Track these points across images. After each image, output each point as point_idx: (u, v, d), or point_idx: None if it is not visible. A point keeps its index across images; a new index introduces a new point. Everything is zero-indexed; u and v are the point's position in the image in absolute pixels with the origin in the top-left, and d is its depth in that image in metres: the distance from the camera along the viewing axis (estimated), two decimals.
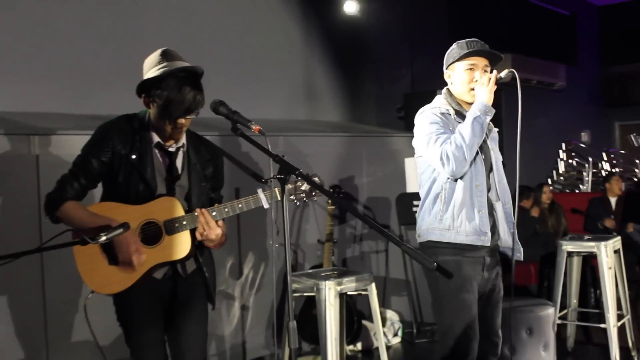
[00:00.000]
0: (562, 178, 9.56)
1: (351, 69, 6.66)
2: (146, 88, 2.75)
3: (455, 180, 3.12)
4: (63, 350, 3.98)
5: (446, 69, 3.28)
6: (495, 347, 3.29)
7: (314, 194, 2.86)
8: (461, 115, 3.17)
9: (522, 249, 3.29)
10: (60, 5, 4.41)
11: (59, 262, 3.86)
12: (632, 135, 4.90)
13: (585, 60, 10.61)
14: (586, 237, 5.05)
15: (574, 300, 5.22)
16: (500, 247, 3.29)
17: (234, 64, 5.50)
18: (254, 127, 2.53)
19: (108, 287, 2.78)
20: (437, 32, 7.41)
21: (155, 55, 2.80)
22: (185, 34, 5.08)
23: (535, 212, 7.11)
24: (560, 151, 9.79)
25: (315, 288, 3.75)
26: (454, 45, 3.26)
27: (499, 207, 3.24)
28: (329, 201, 5.08)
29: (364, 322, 5.40)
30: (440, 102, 3.25)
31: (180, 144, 2.89)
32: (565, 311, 5.19)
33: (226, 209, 2.82)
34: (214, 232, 2.79)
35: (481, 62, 3.19)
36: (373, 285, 3.94)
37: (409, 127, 4.83)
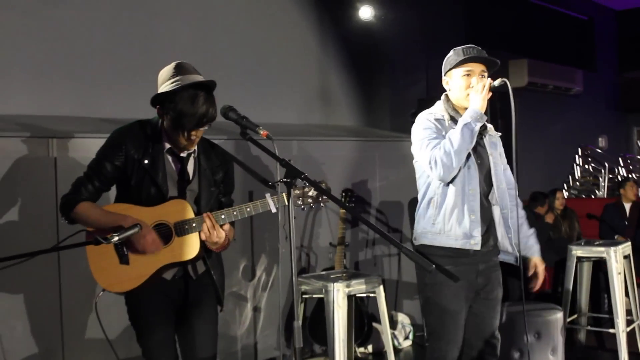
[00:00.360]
0: (578, 183, 9.54)
1: (366, 73, 6.72)
2: (160, 100, 2.84)
3: (448, 184, 3.18)
4: (78, 348, 4.08)
5: (444, 75, 3.33)
6: (494, 349, 3.34)
7: (320, 199, 2.93)
8: (455, 121, 3.22)
9: (517, 255, 3.33)
10: (79, 10, 4.51)
11: (75, 262, 3.96)
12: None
13: (603, 65, 10.58)
14: (596, 242, 5.07)
15: (584, 305, 5.24)
16: (500, 251, 3.33)
17: (250, 69, 5.58)
18: (261, 132, 2.60)
19: (118, 285, 2.87)
20: (453, 37, 7.43)
21: (169, 69, 2.88)
22: (202, 40, 5.17)
23: (549, 219, 7.11)
24: (577, 156, 9.77)
25: (324, 290, 3.82)
26: (451, 52, 3.31)
27: (496, 212, 3.27)
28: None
29: (375, 324, 5.46)
30: (436, 107, 3.32)
31: (191, 150, 2.97)
32: (575, 316, 5.21)
33: (235, 213, 2.90)
34: (217, 234, 2.86)
35: (478, 68, 3.23)
36: (381, 287, 3.99)
37: None
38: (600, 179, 9.55)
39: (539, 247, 3.49)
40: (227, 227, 2.91)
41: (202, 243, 2.89)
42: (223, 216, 2.89)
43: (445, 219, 3.19)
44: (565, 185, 9.49)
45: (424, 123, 3.24)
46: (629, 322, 4.84)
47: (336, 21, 6.43)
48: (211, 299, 3.08)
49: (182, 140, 2.85)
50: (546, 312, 4.33)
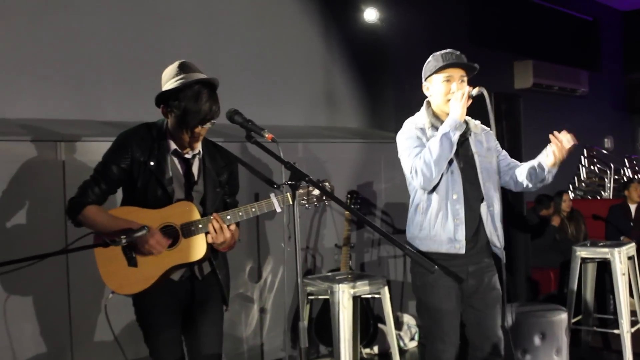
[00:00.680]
0: (583, 184, 9.55)
1: (371, 75, 6.75)
2: (164, 99, 2.87)
3: (432, 191, 3.24)
4: (87, 348, 4.12)
5: (424, 81, 3.39)
6: (497, 348, 3.37)
7: (324, 198, 2.96)
8: (436, 128, 3.27)
9: (502, 250, 3.38)
10: (84, 15, 4.55)
11: (83, 264, 4.00)
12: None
13: (608, 66, 10.57)
14: (601, 243, 5.09)
15: (589, 306, 5.25)
16: (492, 252, 3.38)
17: (255, 71, 5.61)
18: (267, 135, 2.64)
19: (127, 287, 2.91)
20: (458, 39, 7.46)
21: (173, 68, 2.92)
22: (207, 43, 5.21)
23: (555, 221, 7.12)
24: (582, 157, 9.77)
25: (329, 291, 3.85)
26: (430, 58, 3.36)
27: (483, 209, 3.31)
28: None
29: (380, 325, 5.48)
30: (418, 116, 3.39)
31: (196, 152, 3.01)
32: (580, 317, 5.22)
33: (240, 213, 2.93)
34: (224, 235, 2.90)
35: (457, 73, 3.28)
36: (386, 288, 4.02)
37: None
38: (606, 179, 9.56)
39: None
40: (233, 227, 2.94)
41: (209, 244, 2.92)
42: (229, 217, 2.92)
43: (430, 225, 3.26)
44: (570, 186, 9.49)
45: (406, 133, 3.33)
46: (633, 323, 4.85)
47: (341, 23, 6.46)
48: (217, 299, 3.11)
49: (186, 137, 2.89)
50: (551, 312, 4.35)
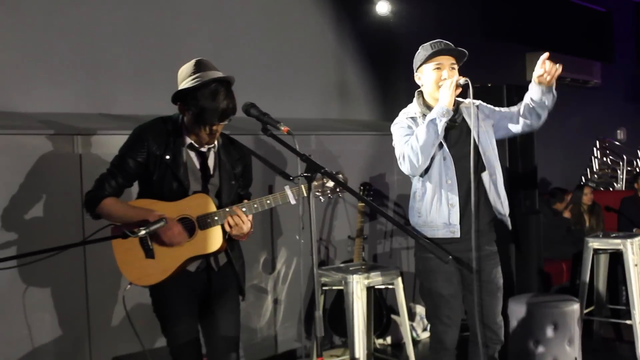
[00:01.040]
0: (596, 176, 9.53)
1: (383, 68, 6.77)
2: (182, 97, 2.92)
3: (427, 177, 3.33)
4: (104, 339, 4.19)
5: (416, 72, 3.45)
6: (497, 334, 3.46)
7: (338, 190, 3.00)
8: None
9: (509, 220, 3.46)
10: (100, 9, 4.59)
11: (100, 256, 4.06)
12: None
13: (621, 58, 10.52)
14: (612, 234, 5.10)
15: (601, 297, 5.27)
16: (494, 237, 3.46)
17: (268, 65, 5.64)
18: (282, 128, 2.68)
19: (145, 279, 2.97)
20: (471, 31, 7.47)
21: (189, 65, 2.96)
22: (220, 37, 5.23)
23: (567, 214, 7.12)
24: (595, 149, 9.75)
25: (343, 282, 3.90)
26: (419, 49, 3.43)
27: (486, 178, 3.37)
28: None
29: (393, 316, 5.52)
30: (410, 106, 3.46)
31: (212, 145, 3.05)
32: (592, 308, 5.24)
33: (255, 205, 2.98)
34: (246, 226, 2.96)
35: (447, 61, 3.34)
36: (399, 279, 4.07)
37: None
38: (619, 171, 9.53)
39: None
40: (250, 217, 2.99)
41: (225, 235, 2.97)
42: (244, 209, 2.97)
43: (427, 211, 3.34)
44: (583, 177, 9.47)
45: (398, 123, 3.41)
46: None
47: (353, 16, 6.48)
48: (233, 289, 3.17)
49: (204, 134, 2.93)
50: (563, 303, 4.37)
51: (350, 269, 4.12)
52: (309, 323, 5.36)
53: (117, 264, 2.99)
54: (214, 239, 2.95)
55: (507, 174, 5.63)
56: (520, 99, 5.95)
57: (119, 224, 2.95)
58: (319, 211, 5.44)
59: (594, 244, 4.96)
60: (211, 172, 3.07)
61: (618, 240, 4.81)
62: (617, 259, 5.57)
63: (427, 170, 3.34)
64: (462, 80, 3.26)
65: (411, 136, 3.29)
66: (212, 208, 2.96)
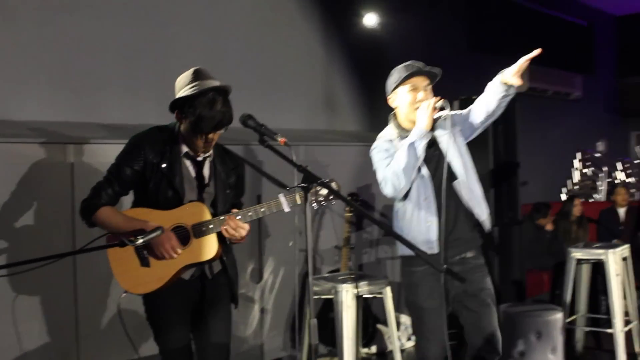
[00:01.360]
0: (576, 187, 9.67)
1: (370, 79, 6.83)
2: (179, 105, 2.96)
3: (406, 197, 3.37)
4: (93, 348, 4.20)
5: (389, 95, 3.49)
6: (494, 346, 3.44)
7: (331, 197, 3.05)
8: (404, 137, 3.38)
9: (489, 224, 3.47)
10: (91, 19, 4.61)
11: (90, 265, 4.09)
12: (637, 147, 5.06)
13: (602, 70, 10.70)
14: (595, 244, 5.20)
15: (583, 306, 5.37)
16: (478, 250, 3.49)
17: (257, 75, 5.69)
18: (280, 139, 2.73)
19: (140, 287, 3.00)
20: (456, 44, 7.59)
21: (187, 74, 3.01)
22: (209, 47, 5.27)
23: (549, 227, 7.23)
24: (575, 160, 9.90)
25: (333, 290, 3.95)
26: (393, 71, 3.46)
27: (458, 185, 3.38)
28: (347, 208, 5.27)
29: (379, 325, 5.59)
30: (386, 130, 3.52)
31: (207, 154, 3.10)
32: (574, 317, 5.34)
33: (250, 213, 3.03)
34: (244, 231, 3.02)
35: (422, 82, 3.38)
36: (388, 288, 4.13)
37: None
38: (599, 183, 9.68)
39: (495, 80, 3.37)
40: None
41: (220, 244, 3.01)
42: (239, 217, 3.01)
43: (408, 229, 3.38)
44: (564, 189, 9.61)
45: (376, 147, 3.47)
46: (626, 323, 4.97)
47: (341, 28, 6.55)
48: (226, 297, 3.21)
49: (200, 142, 2.98)
50: (546, 312, 4.45)
51: (340, 278, 4.18)
52: (295, 332, 5.40)
53: (113, 272, 3.02)
54: (209, 248, 2.99)
55: (492, 186, 5.75)
56: (505, 111, 6.06)
57: (114, 233, 2.98)
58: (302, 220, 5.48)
59: (577, 254, 5.06)
60: (206, 181, 3.11)
61: (601, 251, 4.92)
62: (596, 269, 5.68)
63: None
64: (439, 103, 3.30)
65: (391, 159, 3.35)
66: (207, 216, 3.00)
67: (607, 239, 7.22)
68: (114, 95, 4.76)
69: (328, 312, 5.05)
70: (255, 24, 5.80)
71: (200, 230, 2.98)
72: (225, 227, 2.98)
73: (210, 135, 2.95)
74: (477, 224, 3.46)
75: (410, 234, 3.36)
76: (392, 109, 3.58)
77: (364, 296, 4.18)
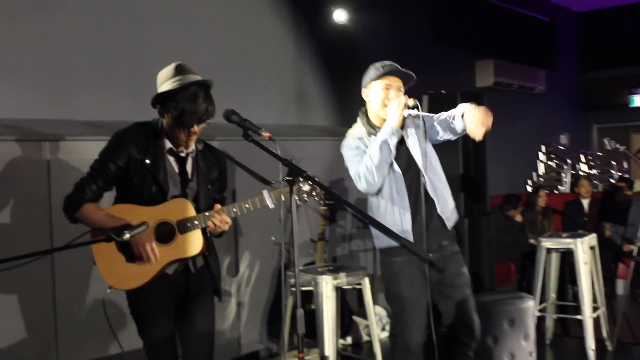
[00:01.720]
0: (541, 179, 9.88)
1: (340, 75, 6.91)
2: (161, 100, 2.99)
3: (379, 192, 3.46)
4: (72, 345, 4.20)
5: (364, 88, 3.61)
6: (471, 330, 3.58)
7: (314, 193, 3.11)
8: (373, 135, 3.50)
9: (454, 217, 3.61)
10: (63, 15, 4.59)
11: (68, 261, 4.09)
12: (605, 139, 5.20)
13: (564, 66, 10.92)
14: (564, 234, 5.35)
15: (552, 294, 5.52)
16: (452, 237, 3.60)
17: (228, 71, 5.69)
18: (264, 134, 2.78)
19: (125, 283, 3.02)
20: (423, 39, 7.69)
21: (169, 69, 3.04)
22: (180, 43, 5.27)
23: (518, 218, 7.39)
24: (540, 153, 10.10)
25: (312, 282, 4.01)
26: (370, 67, 3.58)
27: (429, 185, 3.49)
28: (321, 202, 5.33)
29: (355, 317, 5.67)
30: (356, 128, 3.62)
31: (190, 150, 3.14)
32: (544, 305, 5.48)
33: (234, 209, 3.07)
34: (228, 225, 3.08)
35: (395, 82, 3.51)
36: (367, 279, 4.20)
37: None
38: (563, 175, 9.90)
39: (460, 109, 3.44)
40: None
41: (205, 239, 3.05)
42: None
43: (382, 222, 3.45)
44: (529, 181, 9.81)
45: (347, 145, 3.56)
46: (594, 310, 5.12)
47: (311, 24, 6.60)
48: (209, 290, 3.25)
49: (183, 137, 3.01)
50: (519, 300, 4.57)
51: (319, 270, 4.24)
52: (271, 325, 5.45)
53: (98, 267, 3.03)
54: (194, 243, 3.02)
55: (461, 179, 5.87)
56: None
57: (98, 230, 2.99)
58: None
59: (547, 243, 5.20)
60: (189, 176, 3.15)
61: (570, 240, 5.06)
62: (563, 259, 5.85)
63: None
64: (411, 102, 3.41)
65: (363, 156, 3.44)
66: (192, 212, 3.03)
67: (573, 230, 7.41)
68: (88, 92, 4.75)
69: (305, 303, 5.11)
70: (227, 20, 5.82)
71: (185, 226, 3.01)
72: (211, 221, 3.02)
73: (193, 129, 2.99)
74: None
75: (387, 226, 3.43)
76: (363, 104, 3.66)
77: (343, 287, 4.25)
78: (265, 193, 3.04)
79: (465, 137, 5.75)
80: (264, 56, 6.17)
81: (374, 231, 3.56)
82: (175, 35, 5.30)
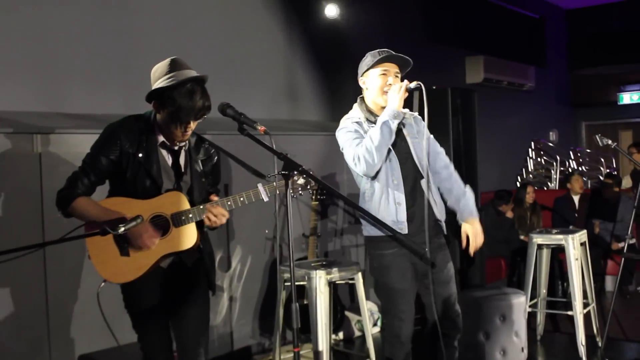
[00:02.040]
0: (531, 176, 9.92)
1: (331, 70, 6.91)
2: (157, 95, 2.97)
3: (374, 178, 3.47)
4: (64, 340, 4.18)
5: (361, 76, 3.61)
6: (455, 322, 3.64)
7: (308, 187, 3.11)
8: (371, 122, 3.52)
9: (442, 222, 3.65)
10: (55, 8, 4.56)
11: (60, 256, 4.07)
12: (596, 136, 5.21)
13: (554, 63, 10.97)
14: (554, 230, 5.37)
15: (543, 290, 5.55)
16: (441, 230, 3.63)
17: (219, 66, 5.68)
18: (259, 128, 2.77)
19: (120, 276, 3.00)
20: (414, 34, 7.70)
21: (164, 65, 3.01)
22: (172, 37, 5.25)
23: (510, 214, 7.41)
24: (530, 150, 10.15)
25: (306, 277, 4.01)
26: (367, 55, 3.59)
27: (424, 184, 3.53)
28: (313, 197, 5.32)
29: (346, 312, 5.67)
30: (353, 112, 3.62)
31: (183, 143, 3.12)
32: (535, 301, 5.50)
33: (229, 202, 3.06)
34: (225, 218, 3.06)
35: (392, 68, 3.53)
36: (360, 274, 4.20)
37: None
38: (552, 171, 9.95)
39: (470, 208, 3.66)
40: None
41: (199, 233, 3.04)
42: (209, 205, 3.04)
43: (376, 210, 3.47)
44: (519, 177, 9.85)
45: (344, 127, 3.55)
46: (584, 306, 5.15)
47: (302, 18, 6.59)
48: (203, 284, 3.24)
49: (179, 132, 2.99)
50: (510, 296, 4.59)
51: (312, 264, 4.23)
52: (263, 320, 5.45)
53: (92, 261, 3.01)
54: (188, 237, 3.01)
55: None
56: (464, 102, 6.19)
57: (93, 223, 2.96)
58: (273, 209, 5.52)
59: (538, 239, 5.21)
60: (183, 169, 3.13)
61: (560, 236, 5.08)
62: (553, 255, 5.87)
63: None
64: (413, 84, 3.44)
65: (360, 139, 3.44)
66: (186, 206, 3.02)
67: (563, 226, 7.45)
68: (79, 85, 4.73)
69: (298, 299, 5.10)
70: (218, 15, 5.80)
71: (179, 219, 3.00)
72: (207, 215, 3.01)
73: (189, 125, 2.97)
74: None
75: (378, 215, 3.45)
76: (355, 96, 3.67)
77: (336, 282, 4.25)
78: (260, 186, 3.03)
79: (456, 134, 5.81)
80: (255, 51, 6.16)
81: (362, 222, 3.57)
82: (167, 29, 5.28)
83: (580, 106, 11.83)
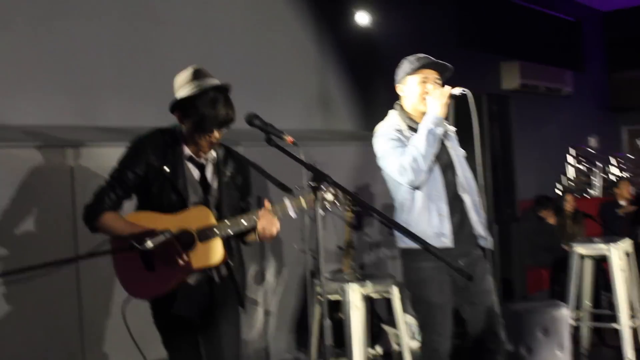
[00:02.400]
0: (571, 183, 9.69)
1: (364, 78, 6.83)
2: (180, 105, 2.91)
3: (415, 189, 3.33)
4: (99, 355, 4.15)
5: (398, 83, 3.49)
6: (497, 336, 3.46)
7: (336, 202, 3.00)
8: (412, 129, 3.39)
9: (491, 238, 3.52)
10: (85, 21, 4.57)
11: (94, 269, 4.03)
12: (638, 140, 5.05)
13: (591, 66, 10.75)
14: (596, 239, 5.19)
15: (587, 302, 5.36)
16: (478, 239, 3.48)
17: (251, 76, 5.64)
18: (287, 139, 2.69)
19: (145, 292, 2.95)
20: (446, 41, 7.57)
21: (186, 74, 2.95)
22: (204, 48, 5.24)
23: (551, 220, 7.22)
24: (569, 156, 9.92)
25: (340, 291, 3.91)
26: (403, 61, 3.48)
27: (467, 198, 3.42)
28: (347, 209, 5.22)
29: (384, 325, 5.54)
30: (393, 119, 3.48)
31: (210, 156, 3.05)
32: (579, 313, 5.32)
33: (254, 217, 2.97)
34: (276, 227, 3.00)
35: (432, 75, 3.42)
36: (395, 288, 4.09)
37: None
38: (593, 178, 9.70)
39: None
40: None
41: (225, 248, 2.95)
42: (243, 221, 2.96)
43: (416, 222, 3.34)
44: (558, 185, 9.62)
45: (385, 135, 3.41)
46: (631, 318, 4.95)
47: (334, 27, 6.53)
48: (233, 301, 3.15)
49: (204, 143, 2.93)
50: (552, 308, 4.44)
51: (346, 277, 4.14)
52: (299, 334, 5.36)
53: (117, 276, 2.96)
54: (214, 252, 2.92)
55: (489, 184, 5.73)
56: (500, 108, 6.06)
57: (119, 238, 2.91)
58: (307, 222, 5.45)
59: (580, 249, 5.04)
60: (210, 183, 3.06)
61: (604, 246, 4.91)
62: (596, 265, 5.68)
63: None
64: (457, 90, 3.33)
65: (403, 147, 3.32)
66: (212, 220, 2.94)
67: (609, 234, 7.20)
68: (111, 97, 4.72)
69: (333, 312, 5.00)
70: (249, 24, 5.77)
71: (205, 234, 2.91)
72: (258, 223, 2.95)
73: (214, 135, 2.91)
74: None
75: (419, 227, 3.32)
76: (388, 104, 3.56)
77: (371, 296, 4.15)
78: (287, 201, 2.93)
79: (492, 141, 5.67)
80: (287, 60, 6.11)
81: (396, 235, 3.47)
82: (197, 40, 5.26)
83: (621, 110, 11.52)
